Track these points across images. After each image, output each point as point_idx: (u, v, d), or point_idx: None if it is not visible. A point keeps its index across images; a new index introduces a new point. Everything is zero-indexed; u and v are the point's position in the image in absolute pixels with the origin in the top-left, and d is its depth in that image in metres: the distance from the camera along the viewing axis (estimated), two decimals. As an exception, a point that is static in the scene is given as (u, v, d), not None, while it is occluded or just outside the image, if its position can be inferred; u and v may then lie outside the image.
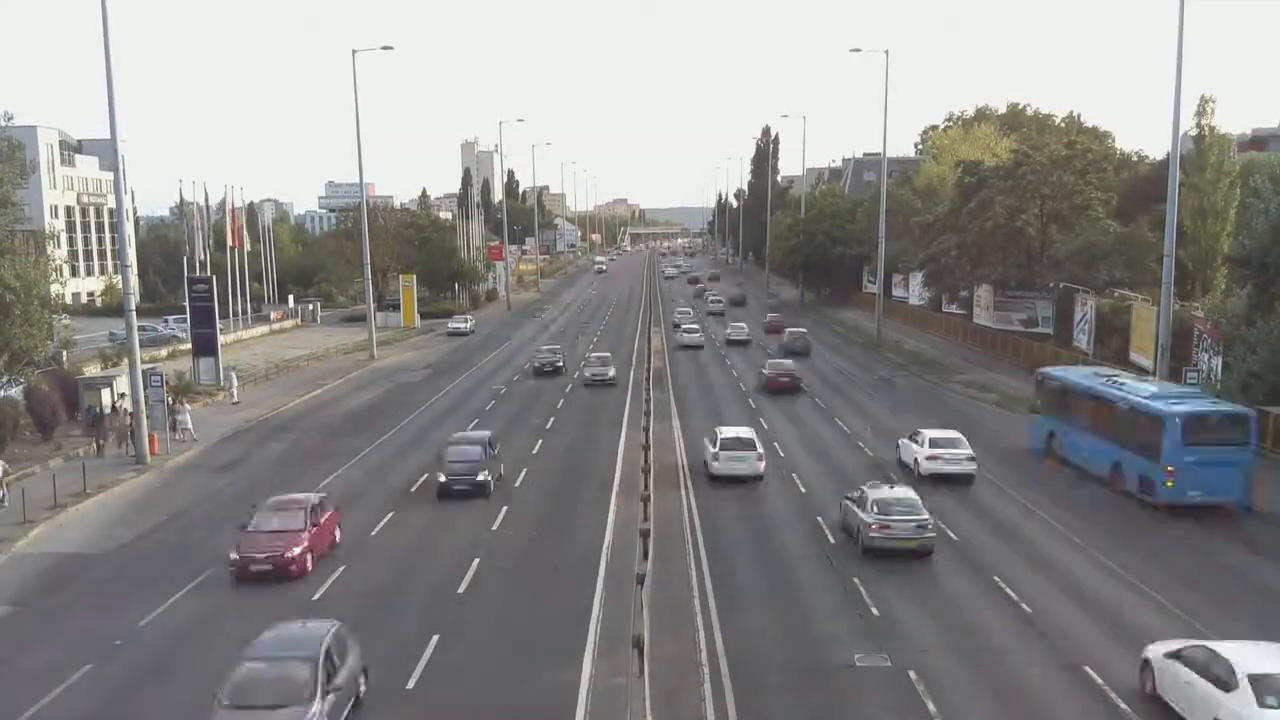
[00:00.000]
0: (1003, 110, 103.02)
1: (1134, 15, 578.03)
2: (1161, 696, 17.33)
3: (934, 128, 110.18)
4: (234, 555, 24.19)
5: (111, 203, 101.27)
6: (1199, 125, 53.60)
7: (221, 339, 56.18)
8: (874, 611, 21.92)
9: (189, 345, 55.41)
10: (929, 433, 34.53)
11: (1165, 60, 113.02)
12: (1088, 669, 19.00)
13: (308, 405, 49.44)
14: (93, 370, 48.61)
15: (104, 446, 38.07)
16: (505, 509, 29.98)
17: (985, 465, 33.89)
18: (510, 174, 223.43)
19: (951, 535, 27.21)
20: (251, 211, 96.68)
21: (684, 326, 75.03)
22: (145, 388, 37.07)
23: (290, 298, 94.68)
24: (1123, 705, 17.61)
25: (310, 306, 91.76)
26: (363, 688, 17.69)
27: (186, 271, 61.88)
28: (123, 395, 40.18)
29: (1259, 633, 18.65)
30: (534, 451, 38.19)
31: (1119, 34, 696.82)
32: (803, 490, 32.25)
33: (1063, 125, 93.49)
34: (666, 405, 46.08)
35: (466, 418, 44.82)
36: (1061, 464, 34.99)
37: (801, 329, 68.73)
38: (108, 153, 75.92)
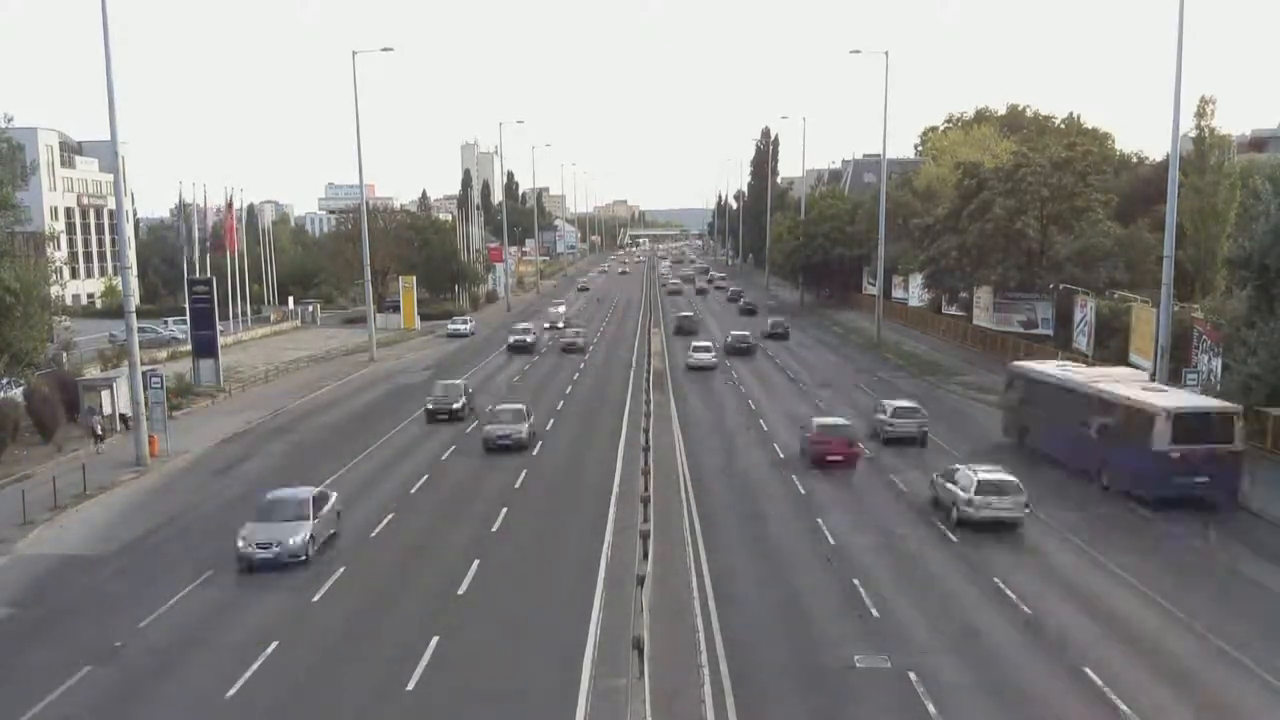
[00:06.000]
0: (1003, 111, 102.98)
1: (1134, 15, 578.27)
2: None
3: (934, 129, 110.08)
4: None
5: (111, 204, 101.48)
6: (1199, 126, 53.59)
7: (221, 341, 56.23)
8: (874, 613, 21.96)
9: (189, 347, 55.45)
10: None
11: (1165, 60, 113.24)
12: (1087, 670, 19.01)
13: (308, 407, 49.40)
14: (93, 372, 48.61)
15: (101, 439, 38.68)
16: (505, 510, 30.02)
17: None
18: (510, 175, 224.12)
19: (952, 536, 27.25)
20: (252, 213, 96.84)
21: None
22: (145, 389, 37.08)
23: (290, 299, 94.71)
24: (1123, 706, 17.63)
25: (310, 308, 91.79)
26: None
27: (186, 273, 61.93)
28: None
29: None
30: (534, 452, 38.20)
31: (1119, 34, 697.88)
32: (803, 492, 32.35)
33: (1062, 127, 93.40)
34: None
35: (466, 419, 44.77)
36: None
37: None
38: (108, 154, 76.02)
